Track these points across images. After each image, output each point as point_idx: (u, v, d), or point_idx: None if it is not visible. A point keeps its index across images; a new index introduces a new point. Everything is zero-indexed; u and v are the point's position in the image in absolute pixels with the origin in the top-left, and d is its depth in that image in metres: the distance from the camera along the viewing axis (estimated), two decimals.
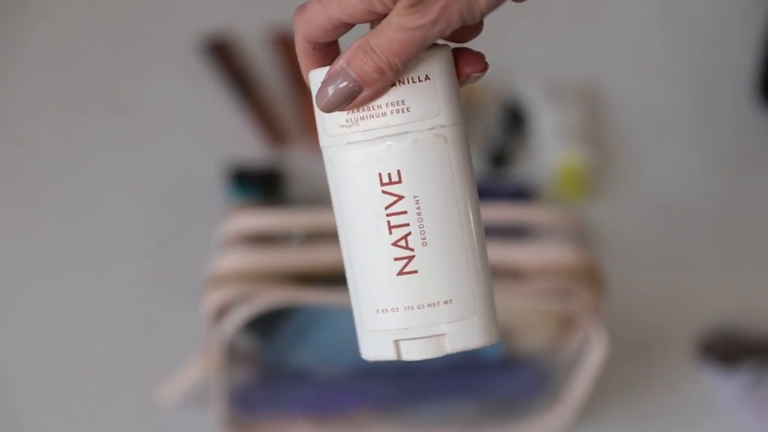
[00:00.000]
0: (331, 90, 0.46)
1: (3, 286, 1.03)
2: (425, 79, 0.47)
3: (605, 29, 1.26)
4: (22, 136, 1.12)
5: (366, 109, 0.47)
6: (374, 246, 0.48)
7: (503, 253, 0.83)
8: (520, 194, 1.10)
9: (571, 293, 0.83)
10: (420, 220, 0.47)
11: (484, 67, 0.48)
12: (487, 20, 0.48)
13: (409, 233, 0.47)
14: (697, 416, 1.01)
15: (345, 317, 0.86)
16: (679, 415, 1.01)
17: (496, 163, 1.13)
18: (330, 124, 0.48)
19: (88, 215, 1.08)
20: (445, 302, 0.48)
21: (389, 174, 0.47)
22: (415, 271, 0.48)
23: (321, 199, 1.10)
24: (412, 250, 0.47)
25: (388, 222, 0.47)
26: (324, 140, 0.48)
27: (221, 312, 0.83)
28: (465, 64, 0.48)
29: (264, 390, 0.92)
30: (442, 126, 0.47)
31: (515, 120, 1.16)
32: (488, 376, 0.91)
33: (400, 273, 0.48)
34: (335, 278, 0.86)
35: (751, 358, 1.01)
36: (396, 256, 0.48)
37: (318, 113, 0.48)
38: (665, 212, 1.13)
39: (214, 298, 0.81)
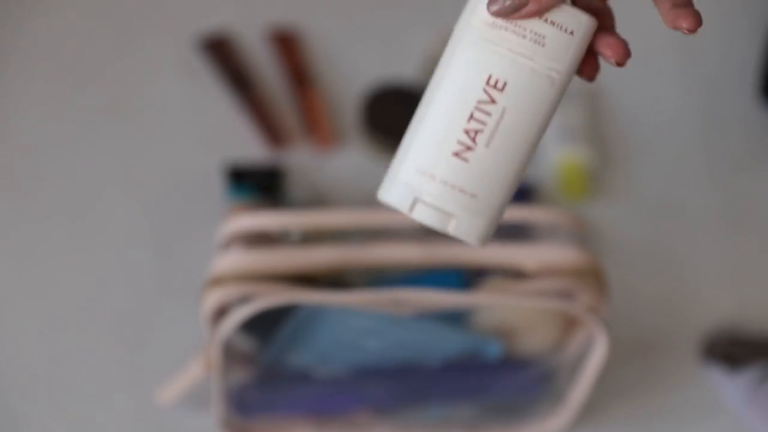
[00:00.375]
0: (503, 0, 0.54)
1: (2, 286, 1.03)
2: (569, 33, 0.55)
3: None
4: (21, 135, 1.12)
5: (514, 24, 0.54)
6: (449, 121, 0.55)
7: (505, 253, 0.83)
8: (522, 194, 1.10)
9: (572, 293, 0.83)
10: (496, 126, 0.55)
11: (594, 77, 0.57)
12: None
13: (482, 130, 0.55)
14: (701, 416, 1.00)
15: (344, 318, 0.86)
16: (682, 415, 1.01)
17: None
18: (477, 18, 0.55)
19: (86, 215, 1.07)
20: (472, 195, 0.55)
21: (497, 80, 0.55)
22: (467, 160, 0.55)
23: (320, 199, 1.10)
24: (476, 144, 0.55)
25: (472, 113, 0.55)
26: (463, 24, 0.56)
27: (220, 312, 0.83)
28: (585, 63, 0.56)
29: (263, 391, 0.91)
30: (558, 72, 0.55)
31: None
32: (489, 377, 0.91)
33: (455, 154, 0.55)
34: (334, 279, 0.86)
35: (755, 358, 1.01)
36: (460, 140, 0.55)
37: (473, 3, 0.55)
38: (667, 212, 1.13)
39: (213, 298, 0.81)
